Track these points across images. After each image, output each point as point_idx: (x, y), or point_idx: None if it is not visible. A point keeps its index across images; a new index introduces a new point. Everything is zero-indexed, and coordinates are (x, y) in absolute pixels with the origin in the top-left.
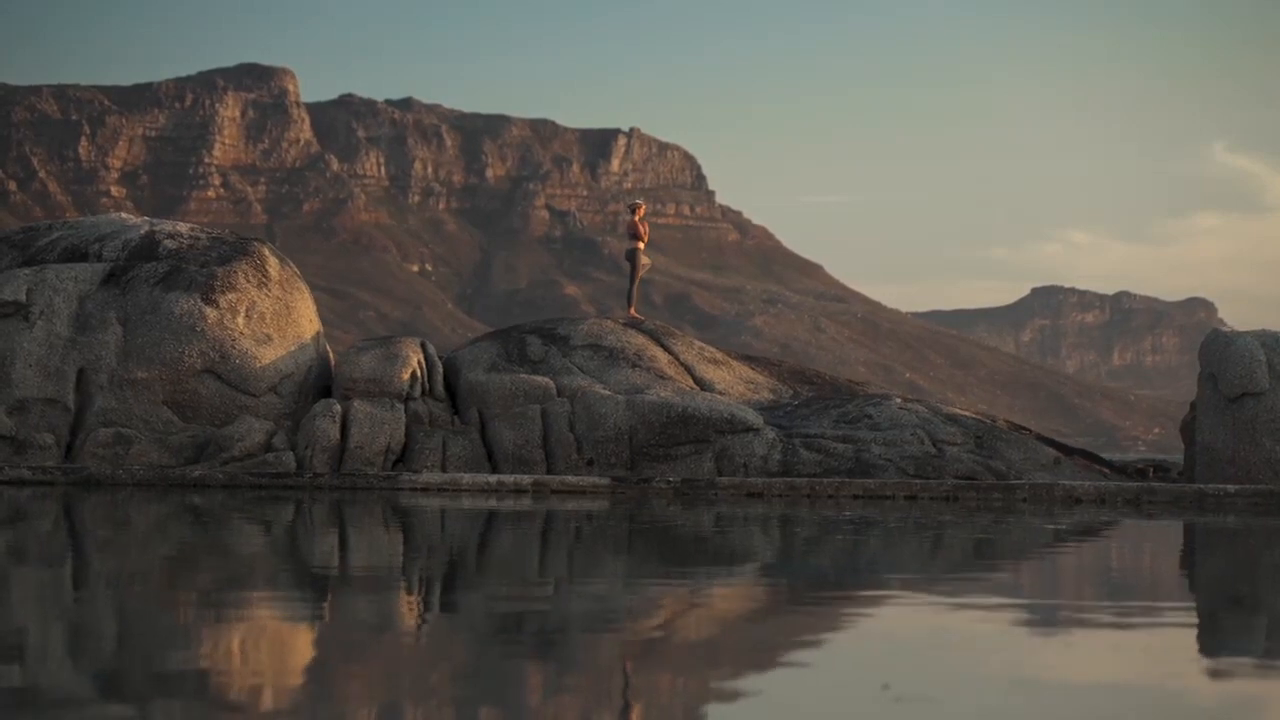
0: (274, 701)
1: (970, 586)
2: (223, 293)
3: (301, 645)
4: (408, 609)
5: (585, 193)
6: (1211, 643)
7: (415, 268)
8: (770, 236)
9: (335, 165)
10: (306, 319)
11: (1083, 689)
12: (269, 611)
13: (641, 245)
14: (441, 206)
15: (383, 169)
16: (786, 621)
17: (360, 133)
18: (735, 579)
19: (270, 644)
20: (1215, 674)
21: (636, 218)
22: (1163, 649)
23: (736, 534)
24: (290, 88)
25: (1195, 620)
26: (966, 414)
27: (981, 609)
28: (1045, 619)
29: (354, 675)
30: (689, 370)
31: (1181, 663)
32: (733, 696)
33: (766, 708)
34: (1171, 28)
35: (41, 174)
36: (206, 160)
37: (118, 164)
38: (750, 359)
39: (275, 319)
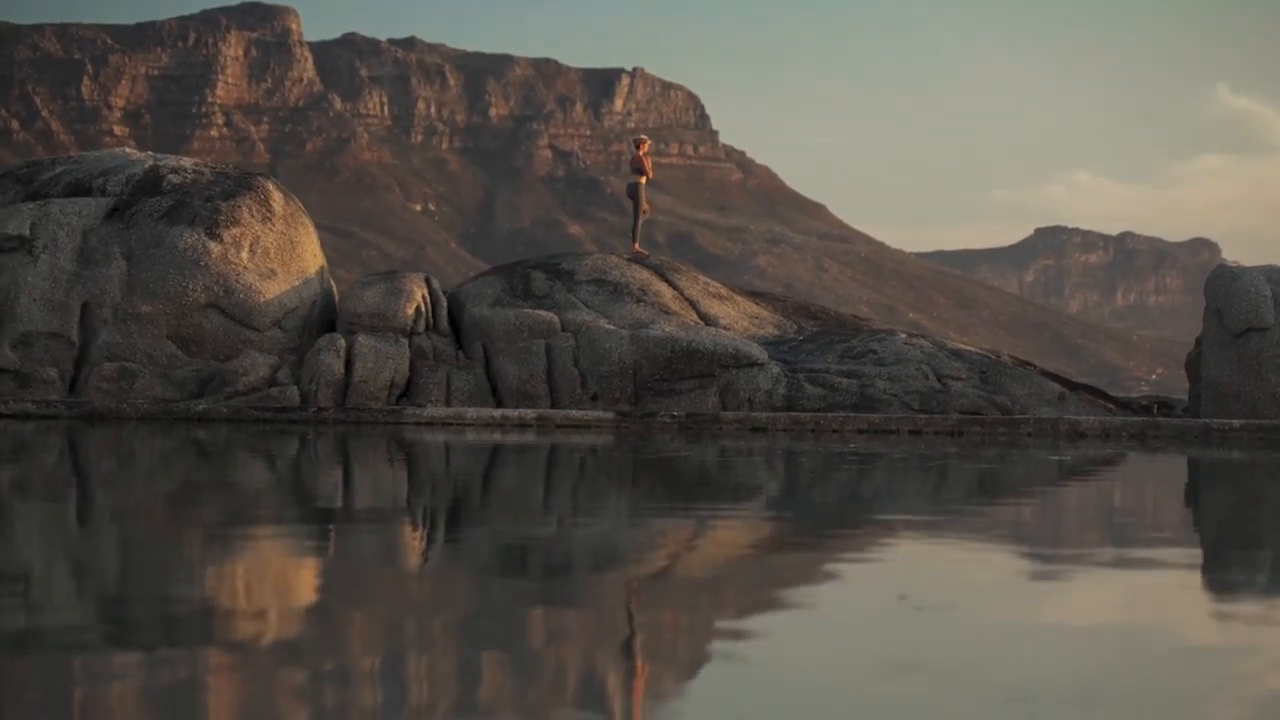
0: (278, 636)
1: (974, 521)
2: (227, 227)
3: (305, 580)
4: (412, 543)
5: (588, 132)
6: (1216, 578)
7: (418, 207)
8: (774, 176)
9: (338, 104)
10: (311, 254)
11: (1088, 624)
12: (273, 546)
13: (644, 180)
14: (445, 146)
15: (386, 108)
16: (792, 556)
17: (363, 72)
18: (740, 513)
19: (274, 579)
20: (1220, 613)
21: (641, 152)
22: (1168, 586)
23: (741, 468)
24: (293, 27)
25: (1200, 556)
26: (971, 349)
27: (985, 543)
28: (1050, 553)
29: (357, 611)
30: (693, 305)
31: (1187, 600)
32: (738, 632)
33: (773, 640)
34: None
35: (44, 113)
36: (209, 99)
37: (120, 103)
38: (755, 294)
39: (279, 253)
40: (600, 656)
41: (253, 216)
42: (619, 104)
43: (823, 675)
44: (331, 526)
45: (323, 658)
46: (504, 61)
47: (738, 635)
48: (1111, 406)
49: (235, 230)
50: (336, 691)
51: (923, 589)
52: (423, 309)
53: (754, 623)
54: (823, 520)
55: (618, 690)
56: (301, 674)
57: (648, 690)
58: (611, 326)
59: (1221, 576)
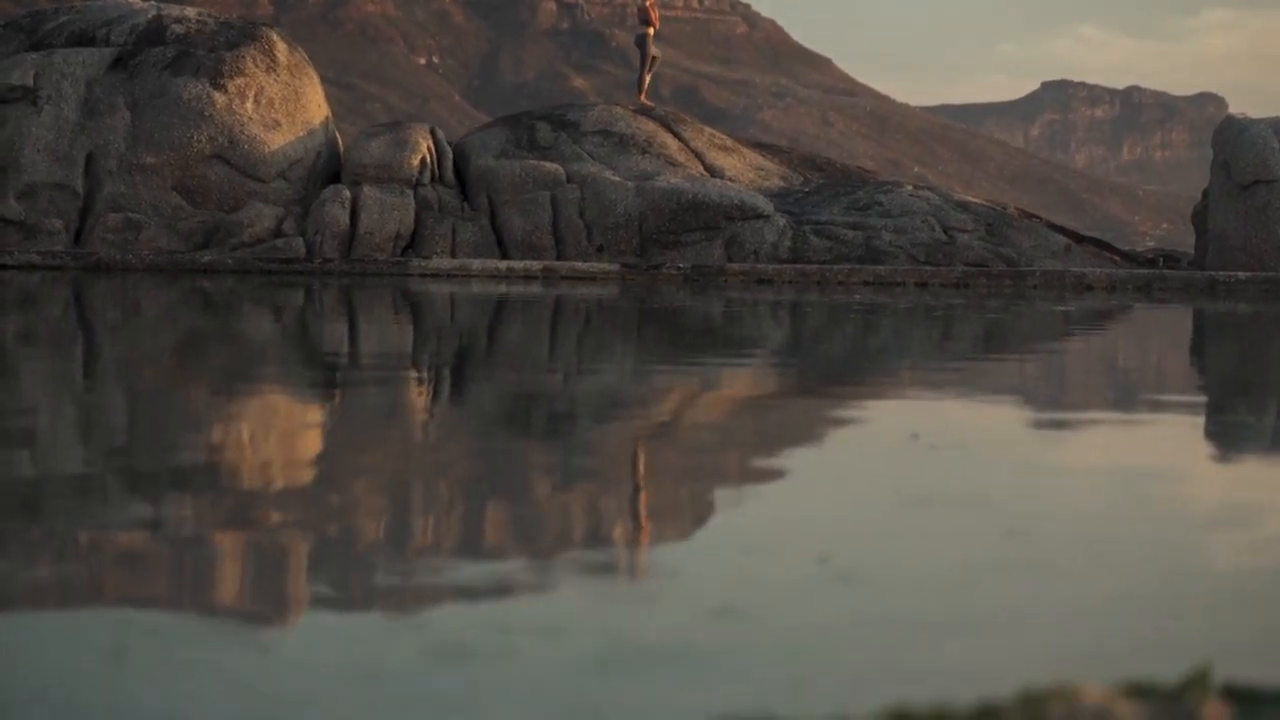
0: (282, 488)
1: (982, 371)
2: (231, 78)
3: (310, 431)
4: (416, 395)
5: None
6: (1219, 424)
7: (422, 60)
8: (779, 29)
9: None
10: (315, 105)
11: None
12: (278, 398)
13: (651, 31)
14: None
15: None
16: (800, 403)
17: None
18: (746, 364)
19: (278, 431)
20: (1221, 457)
21: (648, 3)
22: (1172, 432)
23: (747, 320)
24: None
25: (1204, 404)
26: (978, 201)
27: (993, 392)
28: (1057, 402)
29: (362, 461)
30: (699, 157)
31: (1190, 445)
32: (747, 471)
33: (785, 477)
34: None
35: None
36: None
37: None
38: (761, 146)
39: (284, 104)
40: (610, 496)
41: (257, 67)
42: None
43: (835, 508)
44: (337, 378)
45: (327, 508)
46: None
47: (747, 474)
48: (1117, 259)
49: (240, 80)
50: (340, 540)
51: (933, 432)
52: (428, 160)
53: (763, 463)
54: (830, 371)
55: (628, 527)
56: (305, 524)
57: (656, 528)
58: (617, 178)
59: (1224, 424)
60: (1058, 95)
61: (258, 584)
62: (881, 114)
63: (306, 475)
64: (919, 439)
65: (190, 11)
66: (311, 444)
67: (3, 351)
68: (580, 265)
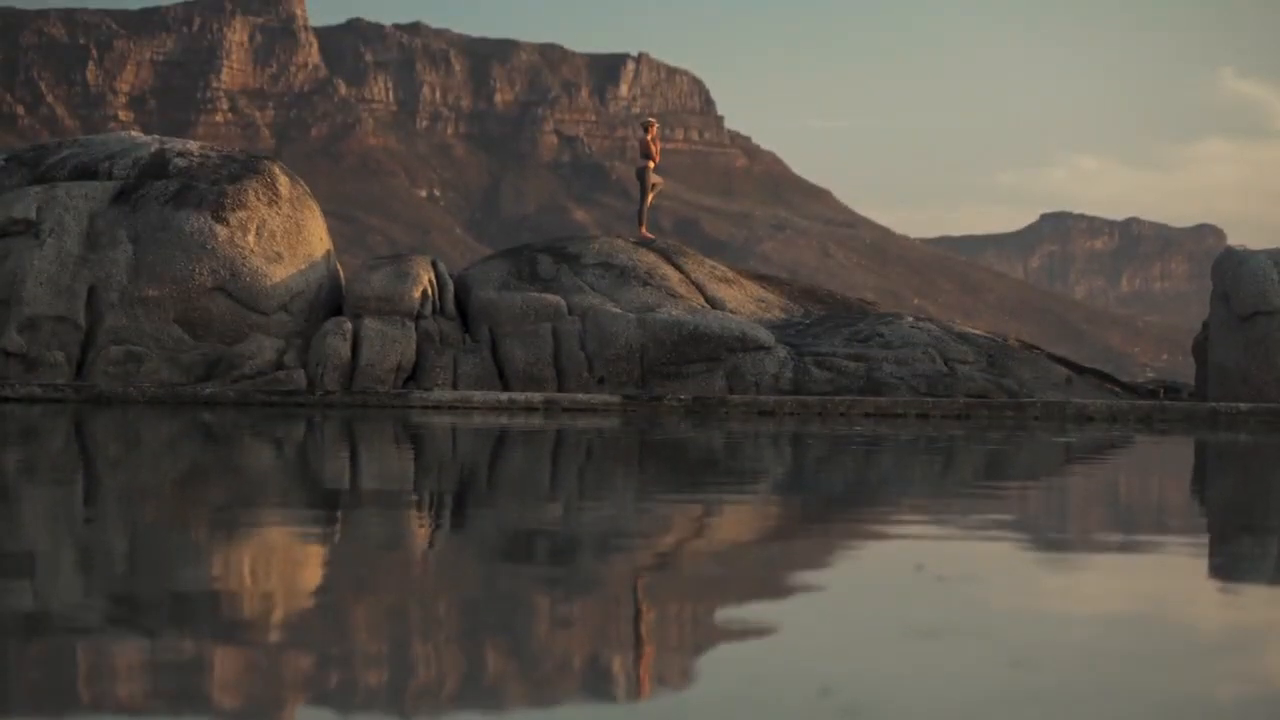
0: (283, 620)
1: (984, 503)
2: (233, 210)
3: (311, 564)
4: (418, 527)
5: (594, 118)
6: (1223, 559)
7: (424, 193)
8: (779, 162)
9: (343, 90)
10: (317, 237)
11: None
12: (280, 530)
13: (653, 164)
14: (450, 132)
15: (391, 94)
16: (803, 536)
17: (368, 57)
18: (748, 496)
19: (280, 563)
20: (1225, 592)
21: (649, 136)
22: (1175, 567)
23: (748, 452)
24: (298, 11)
25: (1207, 538)
26: (978, 332)
27: (996, 526)
28: (1060, 536)
29: (363, 595)
30: (700, 289)
31: (1193, 580)
32: (746, 620)
33: (785, 628)
34: None
35: (49, 98)
36: (214, 84)
37: (125, 88)
38: (762, 277)
39: (286, 237)
40: (613, 629)
41: (259, 200)
42: (624, 89)
43: (839, 640)
44: (338, 510)
45: (328, 641)
46: (509, 47)
47: (751, 607)
48: (1118, 390)
49: (242, 214)
50: (341, 675)
51: (938, 563)
52: (429, 292)
53: (767, 595)
54: (832, 503)
55: (631, 660)
56: (307, 657)
57: (659, 668)
58: (618, 310)
59: (1227, 556)
60: (1057, 227)
61: None
62: (881, 245)
63: (305, 611)
64: (924, 570)
65: (193, 145)
66: (310, 579)
67: (4, 484)
68: (581, 397)
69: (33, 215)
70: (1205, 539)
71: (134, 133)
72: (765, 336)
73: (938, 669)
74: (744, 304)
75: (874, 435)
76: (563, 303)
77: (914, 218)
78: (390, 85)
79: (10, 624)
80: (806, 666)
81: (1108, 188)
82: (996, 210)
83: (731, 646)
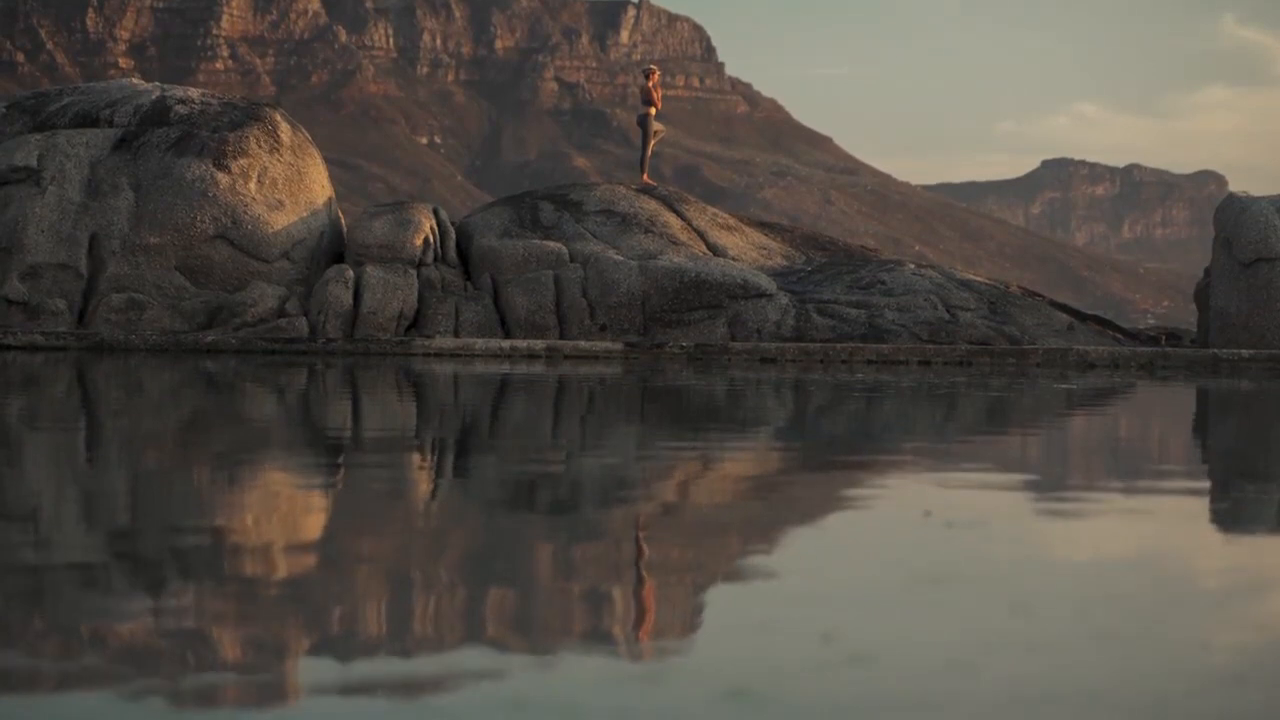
0: (286, 567)
1: (989, 451)
2: (234, 158)
3: (313, 512)
4: (419, 475)
5: (594, 64)
6: (1225, 506)
7: (424, 140)
8: (780, 109)
9: (343, 37)
10: (319, 185)
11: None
12: (281, 477)
13: (654, 111)
14: (450, 78)
15: (391, 40)
16: (803, 489)
17: (369, 4)
18: (751, 443)
19: (282, 510)
20: (1226, 539)
21: (650, 83)
22: (1176, 513)
23: (750, 399)
24: None
25: (1208, 484)
26: (980, 280)
27: (998, 471)
28: (1064, 486)
29: (364, 542)
30: (702, 236)
31: (1194, 526)
32: (750, 567)
33: (790, 574)
34: None
35: (49, 45)
36: (214, 32)
37: (125, 35)
38: (763, 225)
39: (287, 184)
40: (618, 577)
41: (260, 147)
42: (625, 36)
43: (846, 590)
44: (340, 457)
45: (331, 589)
46: None
47: (756, 554)
48: (1120, 337)
49: (243, 161)
50: (344, 621)
51: (944, 510)
52: (431, 240)
53: (773, 542)
54: (835, 449)
55: (637, 608)
56: (309, 604)
57: (660, 616)
58: (620, 257)
59: (1230, 503)
60: (1058, 173)
61: (259, 670)
62: (882, 192)
63: (309, 558)
64: (931, 517)
65: (194, 92)
66: (313, 526)
67: (5, 431)
68: (583, 344)
69: (34, 163)
70: (1207, 486)
71: (134, 80)
72: (767, 284)
73: (942, 615)
74: (746, 251)
75: (876, 382)
76: (564, 250)
77: (915, 165)
78: (390, 32)
79: (12, 574)
80: (810, 613)
81: (1109, 134)
82: (997, 157)
83: (736, 595)
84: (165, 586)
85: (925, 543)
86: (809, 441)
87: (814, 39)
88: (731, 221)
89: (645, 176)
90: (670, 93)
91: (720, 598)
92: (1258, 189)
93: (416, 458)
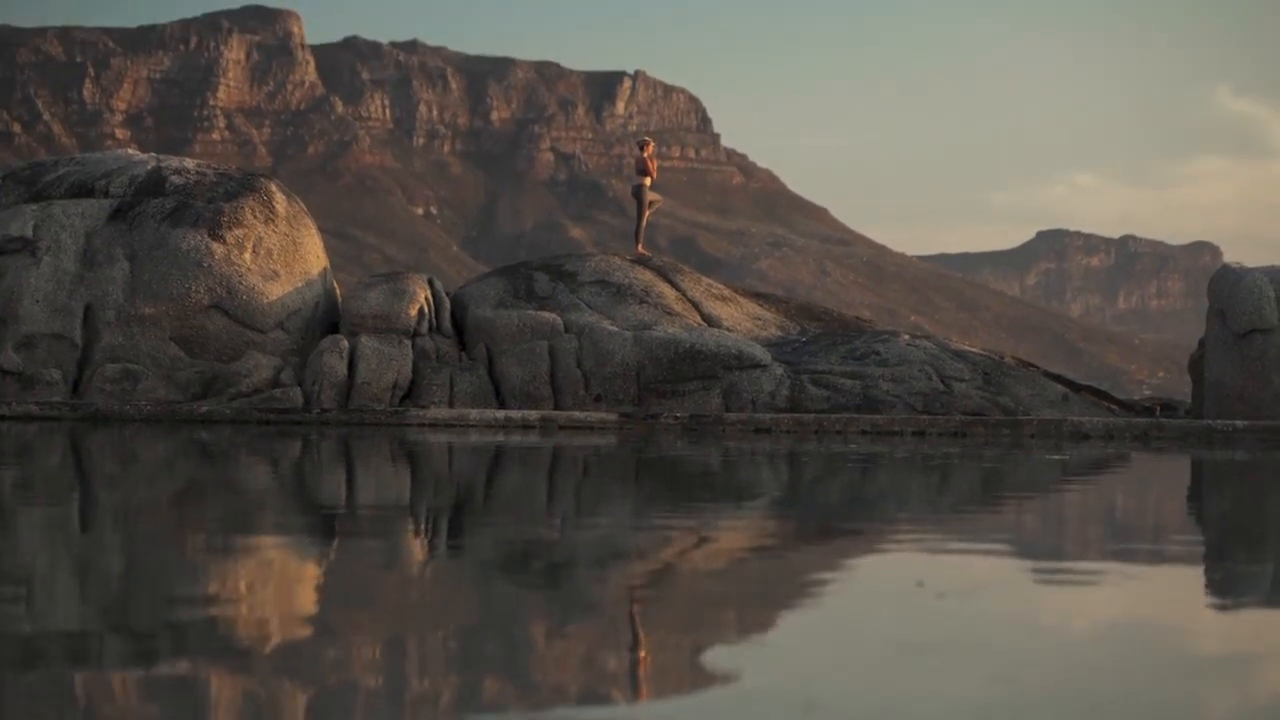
0: (280, 638)
1: (982, 521)
2: (230, 228)
3: (309, 583)
4: (414, 545)
5: (590, 135)
6: (1218, 578)
7: (420, 210)
8: (775, 179)
9: (340, 108)
10: (314, 255)
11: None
12: (276, 547)
13: (649, 182)
14: (446, 149)
15: (387, 111)
16: (796, 558)
17: (365, 75)
18: (745, 514)
19: (277, 580)
20: (1219, 612)
21: (645, 154)
22: (1170, 586)
23: (745, 470)
24: (295, 30)
25: (1203, 556)
26: (974, 350)
27: (992, 541)
28: (1057, 556)
29: (360, 612)
30: (696, 306)
31: (1188, 599)
32: (742, 637)
33: (780, 645)
34: None
35: (46, 116)
36: (211, 103)
37: (122, 106)
38: (758, 295)
39: (282, 254)
40: (610, 645)
41: (255, 217)
42: (620, 107)
43: (835, 658)
44: (335, 529)
45: (326, 662)
46: (505, 64)
47: (748, 623)
48: (1114, 408)
49: (238, 231)
50: (339, 693)
51: (937, 581)
52: (426, 310)
53: (765, 610)
54: (829, 519)
55: (627, 676)
56: (305, 678)
57: (649, 684)
58: (615, 328)
59: (1224, 577)
60: (1053, 244)
61: None
62: (878, 263)
63: (304, 628)
64: (924, 586)
65: (189, 163)
66: (308, 596)
67: (0, 503)
68: (578, 414)
69: (29, 233)
70: (1199, 557)
71: (131, 150)
72: (761, 354)
73: (927, 685)
74: (740, 321)
75: (870, 453)
76: (559, 320)
77: (910, 235)
78: (387, 103)
79: (7, 644)
80: (796, 682)
81: (1104, 205)
82: (993, 228)
83: (727, 663)
84: (158, 660)
85: (917, 613)
86: (802, 512)
87: (809, 110)
88: (726, 292)
89: (640, 247)
90: (666, 163)
91: (705, 667)
92: (1252, 260)
93: (411, 530)
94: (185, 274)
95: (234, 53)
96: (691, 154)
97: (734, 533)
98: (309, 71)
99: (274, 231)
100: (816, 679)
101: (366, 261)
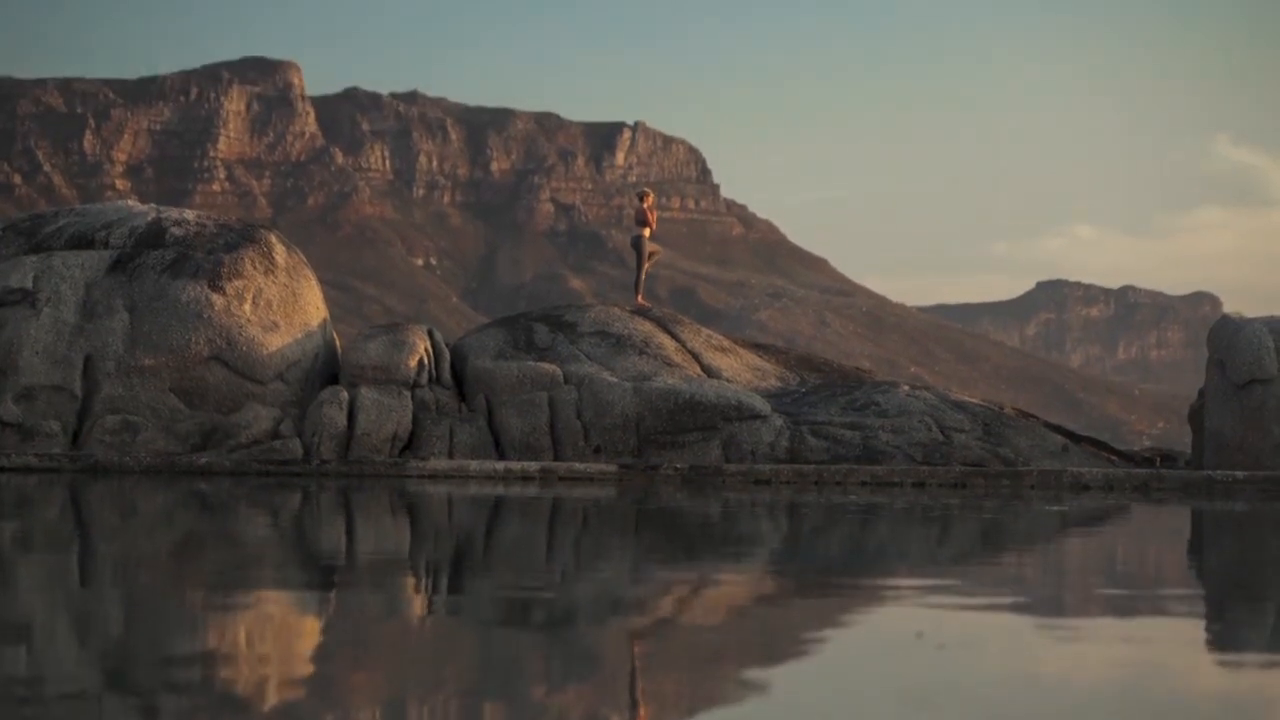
0: (280, 693)
1: (982, 573)
2: (229, 280)
3: (308, 634)
4: (415, 597)
5: (590, 186)
6: (1221, 635)
7: (420, 261)
8: (775, 230)
9: (340, 158)
10: (313, 306)
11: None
12: (276, 600)
13: (648, 233)
14: (446, 200)
15: (387, 162)
16: (796, 610)
17: (365, 126)
18: (745, 566)
19: (277, 633)
20: (1220, 664)
21: (645, 205)
22: (1171, 638)
23: (745, 521)
24: (295, 81)
25: (1203, 607)
26: (974, 401)
27: (992, 595)
28: (1053, 607)
29: (361, 665)
30: (696, 357)
31: (1189, 651)
32: (742, 688)
33: (780, 696)
34: (1175, 19)
35: (46, 167)
36: (211, 154)
37: (123, 157)
38: (758, 346)
39: (282, 306)
40: (604, 703)
41: (255, 268)
42: (620, 158)
43: (833, 711)
44: (334, 581)
45: (325, 715)
46: (505, 115)
47: (748, 675)
48: (1114, 458)
49: (238, 282)
50: None
51: (936, 632)
52: (425, 361)
53: (765, 662)
54: (829, 571)
55: None
56: None
57: None
58: (614, 379)
59: (1223, 630)
60: (1053, 295)
61: None
62: (878, 313)
63: (303, 683)
64: (924, 638)
65: (189, 214)
66: (307, 650)
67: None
68: (578, 466)
69: (29, 284)
70: (1199, 609)
71: (131, 202)
72: (761, 405)
73: None
74: (740, 373)
75: (870, 504)
76: (559, 371)
77: (910, 286)
78: (387, 154)
79: (6, 693)
80: None
81: (1103, 256)
82: (992, 278)
83: (724, 714)
84: (156, 709)
85: (916, 663)
86: (802, 564)
87: (809, 161)
88: (726, 343)
89: (640, 298)
90: (665, 214)
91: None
92: (1252, 310)
93: (410, 583)
94: (185, 325)
95: (234, 104)
96: (691, 205)
97: (734, 585)
98: (309, 122)
99: (274, 283)
100: None
101: (366, 313)
